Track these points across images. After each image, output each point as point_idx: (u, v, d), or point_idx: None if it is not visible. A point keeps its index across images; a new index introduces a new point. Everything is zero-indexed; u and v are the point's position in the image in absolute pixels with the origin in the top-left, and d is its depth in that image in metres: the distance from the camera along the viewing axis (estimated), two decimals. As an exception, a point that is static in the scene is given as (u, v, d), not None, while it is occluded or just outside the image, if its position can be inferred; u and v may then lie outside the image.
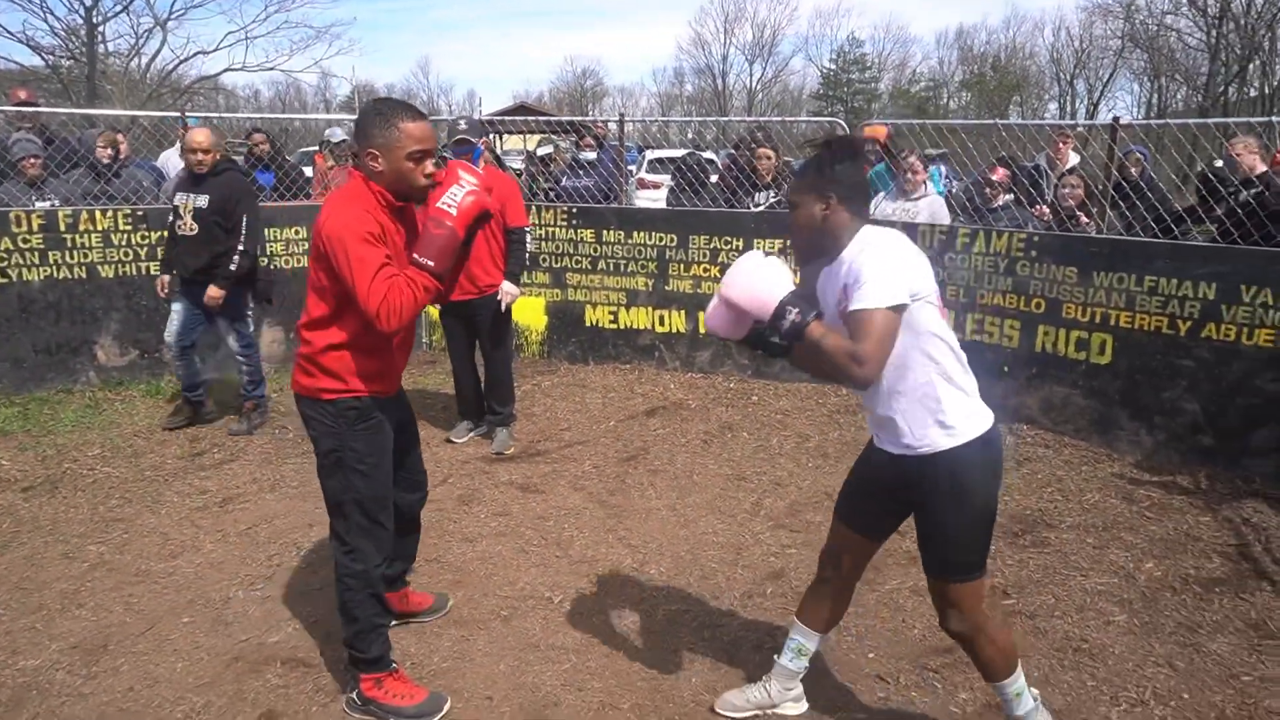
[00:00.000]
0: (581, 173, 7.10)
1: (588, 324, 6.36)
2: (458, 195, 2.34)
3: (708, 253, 5.97)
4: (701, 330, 6.09)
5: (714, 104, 50.82)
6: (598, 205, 6.39)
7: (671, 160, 9.55)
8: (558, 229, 6.29)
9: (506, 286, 4.70)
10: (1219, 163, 5.02)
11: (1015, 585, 3.39)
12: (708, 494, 4.27)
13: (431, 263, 2.31)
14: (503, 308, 4.72)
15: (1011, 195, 5.43)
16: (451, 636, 3.02)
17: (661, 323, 6.15)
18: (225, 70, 34.33)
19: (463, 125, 4.49)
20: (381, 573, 2.58)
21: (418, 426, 2.86)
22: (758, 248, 5.72)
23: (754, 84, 50.24)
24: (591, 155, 7.23)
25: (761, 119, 8.94)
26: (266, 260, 5.87)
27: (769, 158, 5.85)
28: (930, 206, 5.53)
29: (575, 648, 2.95)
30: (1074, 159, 6.66)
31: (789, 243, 2.30)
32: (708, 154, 12.21)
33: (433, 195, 2.37)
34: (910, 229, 5.37)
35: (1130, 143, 6.35)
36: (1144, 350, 4.57)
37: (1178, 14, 35.44)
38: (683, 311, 6.10)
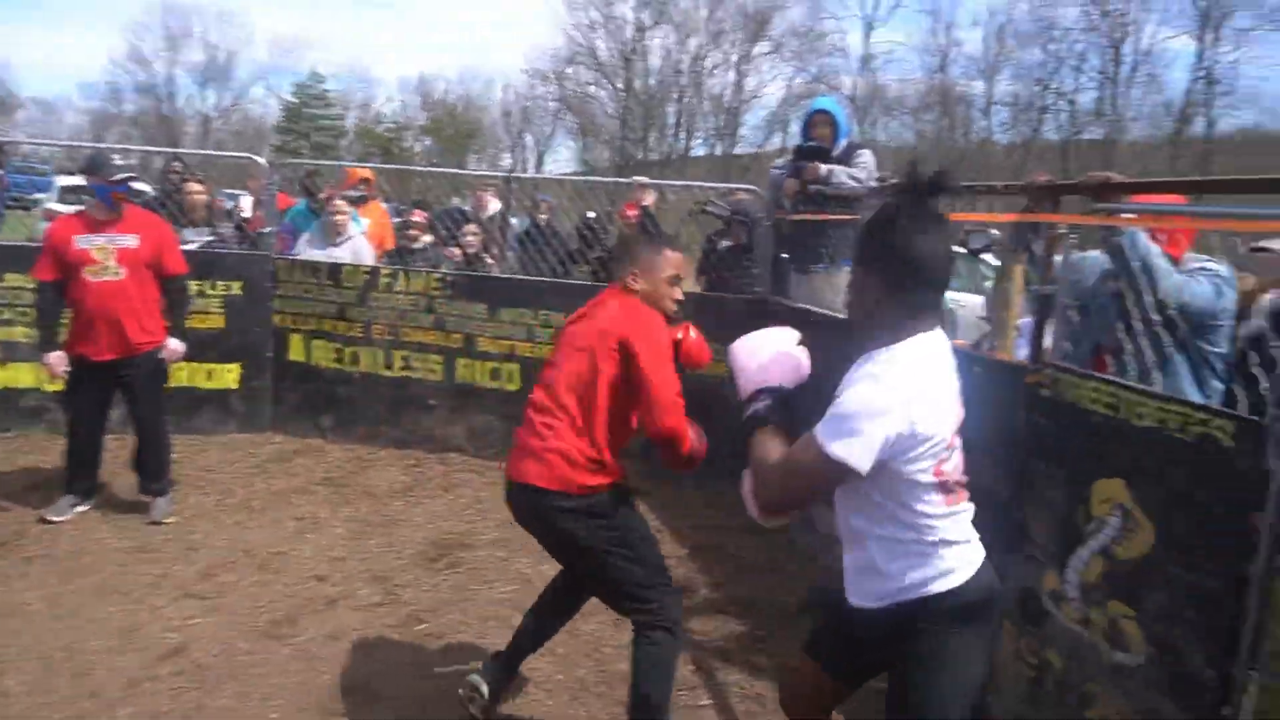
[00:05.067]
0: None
1: (-62, 386, 5.12)
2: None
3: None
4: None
5: (161, 128, 45.46)
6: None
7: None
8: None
9: (172, 344, 4.31)
10: (591, 214, 5.98)
11: (429, 609, 3.55)
12: (100, 574, 3.70)
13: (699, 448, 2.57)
14: (167, 365, 4.36)
15: (431, 237, 5.78)
16: None
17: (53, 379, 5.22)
18: None
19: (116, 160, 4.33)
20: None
21: None
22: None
23: (211, 110, 46.25)
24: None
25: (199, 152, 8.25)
26: None
27: (198, 193, 5.37)
28: (353, 247, 5.61)
29: None
30: (495, 205, 7.35)
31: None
32: (141, 185, 10.86)
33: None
34: (335, 270, 5.39)
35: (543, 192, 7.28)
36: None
37: (598, 85, 41.81)
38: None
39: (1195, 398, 2.78)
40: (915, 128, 35.72)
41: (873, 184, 4.66)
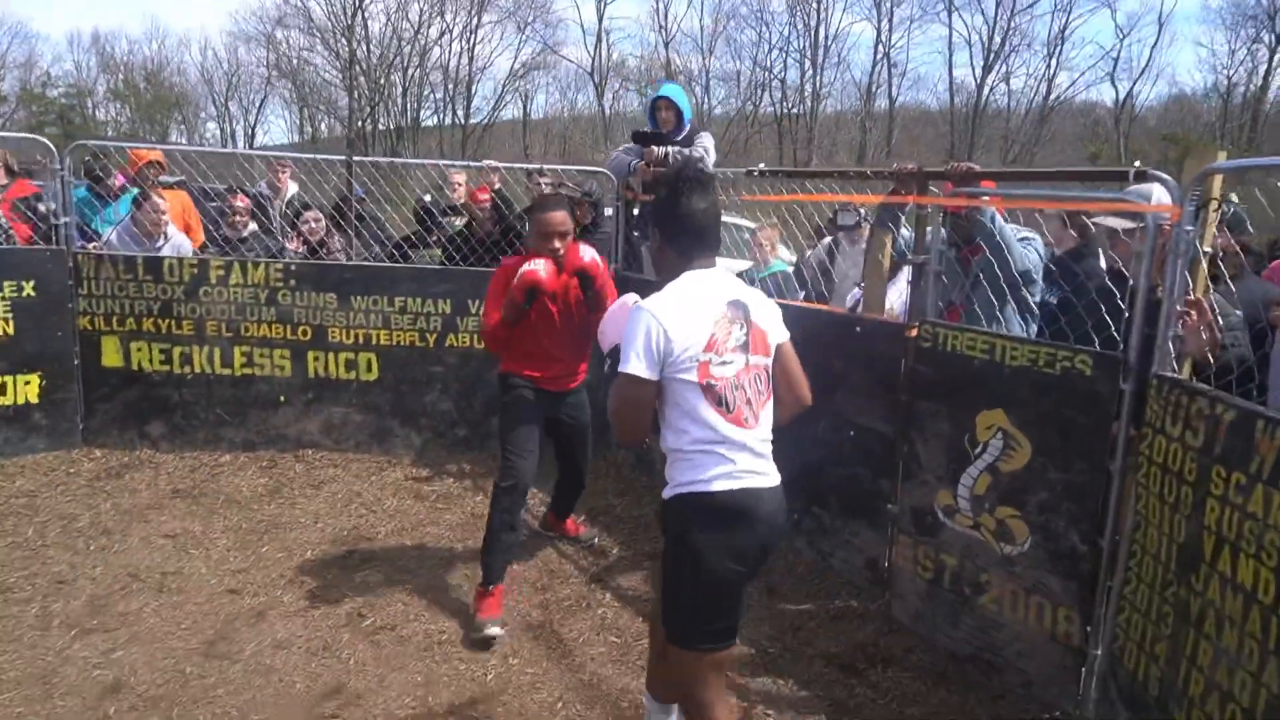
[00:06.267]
0: None
1: None
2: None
3: None
4: None
5: None
6: None
7: None
8: None
9: None
10: (428, 196, 5.90)
11: (367, 605, 3.52)
12: (-35, 625, 3.25)
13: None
14: None
15: (255, 225, 5.41)
16: None
17: None
18: None
19: None
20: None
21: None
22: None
23: None
24: None
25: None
26: None
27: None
28: (174, 246, 5.12)
29: None
30: (293, 188, 6.92)
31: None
32: None
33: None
34: (154, 264, 4.90)
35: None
36: (403, 363, 5.15)
37: (314, 51, 39.07)
38: None
39: (1022, 335, 3.53)
40: (641, 103, 37.31)
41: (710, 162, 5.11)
